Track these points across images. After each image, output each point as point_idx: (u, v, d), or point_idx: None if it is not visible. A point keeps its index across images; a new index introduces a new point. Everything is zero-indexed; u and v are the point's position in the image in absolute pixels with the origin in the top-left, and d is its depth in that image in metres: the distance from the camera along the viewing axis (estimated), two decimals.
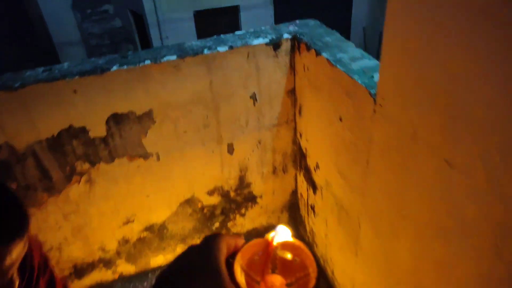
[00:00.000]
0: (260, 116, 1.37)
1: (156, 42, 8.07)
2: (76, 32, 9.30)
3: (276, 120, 1.40)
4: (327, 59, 1.07)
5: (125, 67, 1.12)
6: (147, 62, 1.14)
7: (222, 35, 1.27)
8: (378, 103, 0.88)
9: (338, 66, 1.03)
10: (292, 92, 1.36)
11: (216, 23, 8.36)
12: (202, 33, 8.22)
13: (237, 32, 1.29)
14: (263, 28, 1.31)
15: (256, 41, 1.22)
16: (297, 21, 1.33)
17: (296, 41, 1.25)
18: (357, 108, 0.98)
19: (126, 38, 9.60)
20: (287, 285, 0.43)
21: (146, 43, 8.62)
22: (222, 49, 1.19)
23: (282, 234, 0.44)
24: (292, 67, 1.30)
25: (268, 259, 0.44)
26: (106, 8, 9.56)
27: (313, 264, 0.43)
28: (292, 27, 1.29)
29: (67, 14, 9.05)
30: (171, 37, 8.01)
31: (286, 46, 1.26)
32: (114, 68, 1.11)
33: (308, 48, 1.17)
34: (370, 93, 0.91)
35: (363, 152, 1.00)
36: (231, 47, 1.20)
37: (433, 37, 0.64)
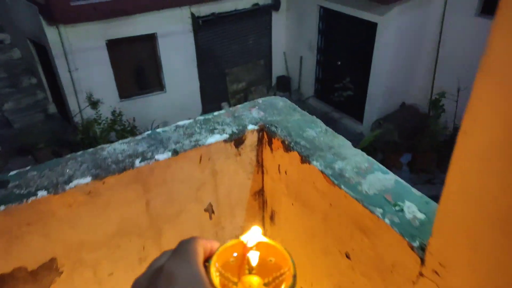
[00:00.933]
0: (218, 230, 0.99)
1: (63, 74, 7.25)
2: None
3: (240, 230, 1.04)
4: (323, 173, 0.74)
5: (1, 208, 0.67)
6: (43, 193, 0.70)
7: (160, 130, 0.88)
8: (429, 267, 0.57)
9: (343, 187, 0.70)
10: (260, 194, 1.01)
11: (132, 52, 7.78)
12: (117, 62, 7.59)
13: (181, 123, 0.91)
14: (215, 114, 0.94)
15: (211, 139, 0.86)
16: (260, 100, 0.99)
17: (265, 133, 0.91)
18: (381, 255, 0.66)
19: (26, 70, 8.52)
20: (264, 284, 0.43)
21: (51, 75, 7.72)
22: (162, 156, 0.81)
23: (256, 235, 0.44)
24: (260, 163, 0.96)
25: (244, 261, 0.43)
26: (1, 37, 8.41)
27: (288, 262, 0.42)
28: (255, 112, 0.95)
29: None
30: (81, 68, 7.24)
31: (251, 139, 0.91)
32: None
33: (287, 147, 0.84)
34: (410, 245, 0.60)
35: None
36: (175, 152, 0.82)
37: None
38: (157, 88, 8.14)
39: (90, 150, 0.81)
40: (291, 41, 9.16)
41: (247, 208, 1.01)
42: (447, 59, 7.09)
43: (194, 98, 8.59)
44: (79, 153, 0.81)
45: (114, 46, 7.38)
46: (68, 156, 0.80)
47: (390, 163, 6.34)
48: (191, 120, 0.92)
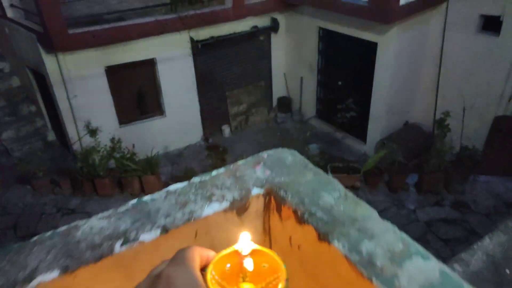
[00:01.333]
0: None
1: (62, 101, 7.19)
2: None
3: None
4: (348, 258, 0.60)
5: None
6: None
7: (148, 198, 0.74)
8: None
9: (375, 281, 0.56)
10: None
11: (132, 78, 7.72)
12: (116, 88, 7.53)
13: (172, 187, 0.77)
14: (213, 174, 0.80)
15: (209, 209, 0.71)
16: (265, 155, 0.85)
17: (272, 198, 0.77)
18: None
19: (26, 98, 8.47)
20: None
21: (50, 103, 7.66)
22: (149, 236, 0.66)
23: (247, 241, 0.45)
24: (266, 231, 0.81)
25: (239, 269, 0.45)
26: (0, 66, 8.40)
27: (281, 267, 0.44)
28: (260, 171, 0.81)
29: None
30: (80, 95, 7.18)
31: (256, 206, 0.77)
32: None
33: (300, 219, 0.69)
34: None
35: None
36: (165, 230, 0.67)
37: None
38: (157, 113, 8.06)
39: (62, 229, 0.67)
40: (291, 62, 9.14)
41: None
42: (449, 77, 7.00)
43: (195, 121, 8.49)
44: (48, 233, 0.66)
45: (113, 72, 7.33)
46: (35, 238, 0.65)
47: (396, 185, 6.17)
48: (185, 184, 0.77)
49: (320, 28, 8.01)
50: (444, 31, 6.83)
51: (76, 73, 6.91)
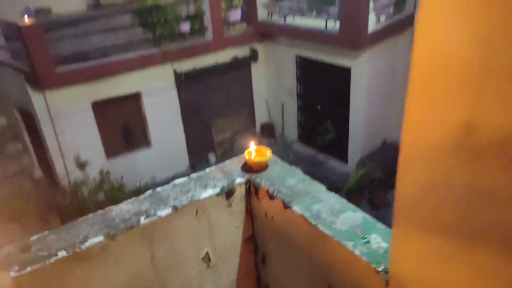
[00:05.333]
0: (216, 276, 1.09)
1: (50, 139, 7.36)
2: None
3: (236, 275, 1.14)
4: (303, 216, 0.87)
5: (28, 269, 0.77)
6: (62, 253, 0.81)
7: (159, 189, 1.01)
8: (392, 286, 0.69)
9: (319, 226, 0.83)
10: (251, 239, 1.12)
11: (118, 111, 7.98)
12: (103, 122, 7.75)
13: (177, 181, 1.04)
14: (207, 170, 1.08)
15: (205, 193, 0.98)
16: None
17: (251, 184, 1.04)
18: (356, 283, 0.78)
19: (13, 137, 8.58)
20: None
21: (37, 140, 7.80)
22: (163, 212, 0.92)
23: None
24: (249, 211, 1.08)
25: None
26: None
27: None
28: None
29: None
30: (68, 131, 7.37)
31: (240, 191, 1.04)
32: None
33: (271, 195, 0.97)
34: (376, 271, 0.72)
35: None
36: (175, 208, 0.94)
37: None
38: (143, 145, 8.28)
39: (100, 211, 0.93)
40: (271, 89, 9.56)
41: (241, 253, 1.12)
42: None
43: (181, 150, 8.73)
44: (90, 215, 0.92)
45: (100, 107, 7.58)
46: (81, 219, 0.91)
47: (377, 201, 6.47)
48: (186, 178, 1.04)
49: (297, 56, 8.50)
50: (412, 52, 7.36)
51: (63, 109, 7.13)
